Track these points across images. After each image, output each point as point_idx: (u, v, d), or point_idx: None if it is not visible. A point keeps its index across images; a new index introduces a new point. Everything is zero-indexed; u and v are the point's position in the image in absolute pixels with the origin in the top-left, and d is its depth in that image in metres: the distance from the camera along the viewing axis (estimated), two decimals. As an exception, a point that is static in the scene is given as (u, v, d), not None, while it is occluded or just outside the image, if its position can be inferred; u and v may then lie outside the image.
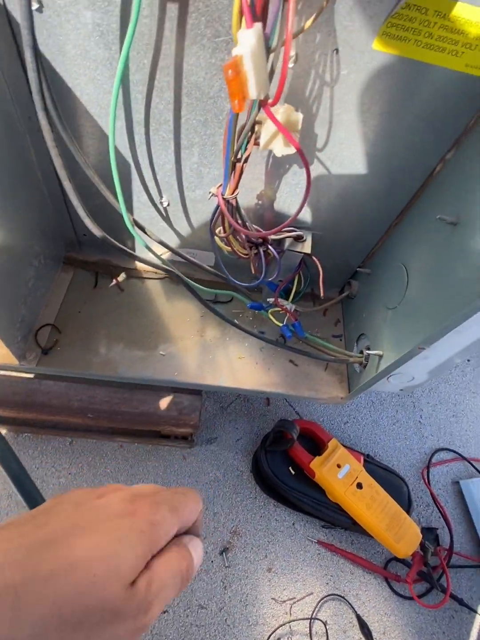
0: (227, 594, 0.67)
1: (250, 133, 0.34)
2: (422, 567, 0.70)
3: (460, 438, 0.89)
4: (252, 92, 0.22)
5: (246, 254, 0.50)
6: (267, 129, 0.35)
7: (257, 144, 0.36)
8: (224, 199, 0.38)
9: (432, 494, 0.80)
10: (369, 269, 0.62)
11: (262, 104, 0.24)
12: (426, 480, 0.81)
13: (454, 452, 0.86)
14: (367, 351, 0.56)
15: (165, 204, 0.54)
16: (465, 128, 0.42)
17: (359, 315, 0.63)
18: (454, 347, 0.46)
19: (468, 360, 0.99)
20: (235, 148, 0.34)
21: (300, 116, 0.35)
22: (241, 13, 0.25)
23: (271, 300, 0.58)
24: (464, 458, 0.85)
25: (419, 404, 0.91)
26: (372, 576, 0.73)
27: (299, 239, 0.56)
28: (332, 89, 0.40)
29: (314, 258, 0.57)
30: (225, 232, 0.43)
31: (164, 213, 0.56)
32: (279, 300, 0.58)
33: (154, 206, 0.55)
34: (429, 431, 0.88)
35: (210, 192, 0.38)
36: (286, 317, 0.58)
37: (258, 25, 0.21)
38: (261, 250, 0.50)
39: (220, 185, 0.38)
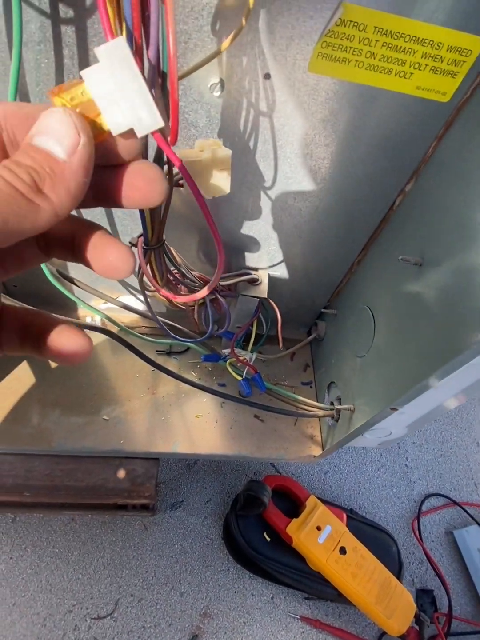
0: None
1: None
2: (419, 642, 0.62)
3: (450, 481, 0.82)
4: (111, 126, 0.16)
5: (190, 306, 0.44)
6: (190, 168, 0.30)
7: (180, 185, 0.30)
8: (145, 247, 0.32)
9: (424, 550, 0.72)
10: (334, 310, 0.56)
11: (158, 140, 0.17)
12: (417, 534, 0.74)
13: (445, 497, 0.79)
14: (337, 405, 0.50)
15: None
16: (423, 157, 0.38)
17: (329, 360, 0.57)
18: (433, 403, 0.40)
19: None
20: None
21: (228, 152, 0.30)
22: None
23: (227, 351, 0.51)
24: (455, 503, 0.78)
25: (404, 444, 0.84)
26: (364, 654, 0.64)
27: (253, 282, 0.50)
28: (271, 119, 0.35)
29: (271, 302, 0.51)
30: (156, 284, 0.37)
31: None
32: (236, 351, 0.52)
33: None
34: (417, 475, 0.81)
35: (129, 243, 0.32)
36: (245, 370, 0.52)
37: (120, 38, 0.16)
38: (208, 299, 0.44)
39: (141, 235, 0.32)
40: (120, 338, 0.45)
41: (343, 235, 0.47)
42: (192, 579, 0.64)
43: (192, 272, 0.41)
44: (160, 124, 0.17)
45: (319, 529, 0.63)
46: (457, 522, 0.77)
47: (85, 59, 0.30)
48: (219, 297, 0.44)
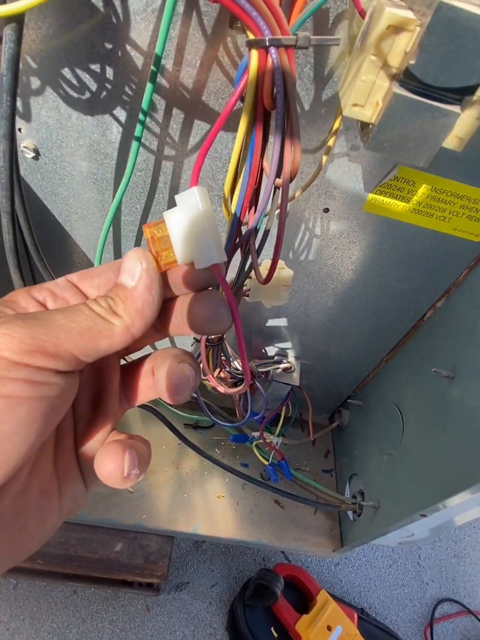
0: None
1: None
2: None
3: (464, 585, 0.78)
4: (178, 256, 0.19)
5: (231, 393, 0.46)
6: (254, 287, 0.34)
7: (246, 295, 0.35)
8: (208, 343, 0.35)
9: (438, 664, 0.68)
10: (360, 401, 0.58)
11: (215, 272, 0.20)
12: (430, 644, 0.70)
13: (459, 603, 0.75)
14: (361, 501, 0.50)
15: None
16: (455, 281, 0.42)
17: (351, 450, 0.59)
18: (462, 512, 0.41)
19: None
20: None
21: (290, 273, 0.34)
22: (233, 184, 0.24)
23: (256, 434, 0.53)
24: (470, 612, 0.75)
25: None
26: None
27: (287, 369, 0.53)
28: (321, 242, 0.40)
29: (304, 391, 0.54)
30: (210, 373, 0.40)
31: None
32: (265, 434, 0.53)
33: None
34: (429, 576, 0.78)
35: (194, 339, 0.36)
36: (272, 455, 0.53)
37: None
38: (249, 395, 0.47)
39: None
40: (151, 408, 0.47)
41: (373, 336, 0.51)
42: (192, 674, 0.61)
43: (235, 361, 0.44)
44: (217, 260, 0.19)
45: (329, 629, 0.61)
46: (472, 634, 0.73)
47: (176, 186, 0.36)
48: (257, 384, 0.47)
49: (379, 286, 0.44)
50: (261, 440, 0.54)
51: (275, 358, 0.53)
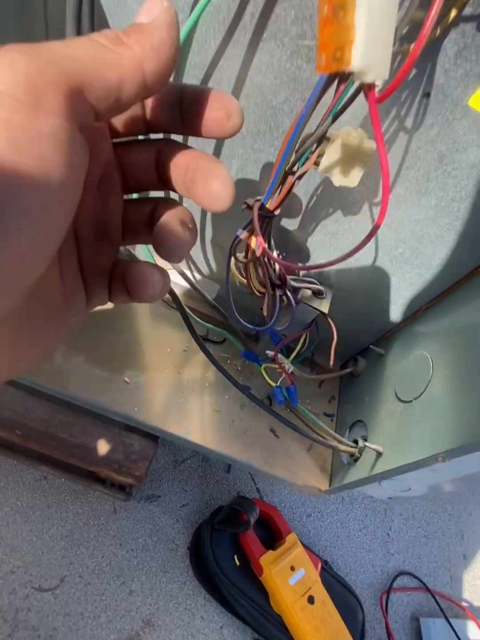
0: None
1: (315, 145, 0.28)
2: None
3: (427, 565, 0.78)
4: (356, 59, 0.16)
5: (261, 292, 0.42)
6: (332, 150, 0.29)
7: (317, 163, 0.30)
8: (260, 212, 0.31)
9: (388, 628, 0.68)
10: (382, 350, 0.55)
11: (366, 91, 0.17)
12: (384, 609, 0.69)
13: (419, 580, 0.75)
14: (364, 442, 0.48)
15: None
16: None
17: (360, 398, 0.55)
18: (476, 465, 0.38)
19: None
20: (293, 158, 0.28)
21: (373, 145, 0.29)
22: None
23: (270, 353, 0.49)
24: (428, 590, 0.74)
25: (391, 512, 0.80)
26: None
27: (318, 294, 0.49)
28: (410, 137, 0.35)
29: (330, 320, 0.50)
30: (247, 257, 0.36)
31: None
32: (279, 356, 0.50)
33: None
34: (396, 548, 0.77)
35: (244, 203, 0.32)
36: (282, 378, 0.50)
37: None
38: (278, 292, 0.43)
39: (259, 199, 0.31)
40: (179, 304, 0.43)
41: (423, 275, 0.46)
42: (146, 581, 0.60)
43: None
44: (384, 77, 0.16)
45: (292, 569, 0.59)
46: (424, 610, 0.73)
47: None
48: (289, 294, 0.43)
49: (456, 207, 0.39)
50: (272, 363, 0.51)
51: (310, 282, 0.49)
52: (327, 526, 0.74)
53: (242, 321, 0.45)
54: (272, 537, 0.63)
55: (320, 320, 0.52)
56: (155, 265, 0.19)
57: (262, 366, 0.52)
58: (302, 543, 0.64)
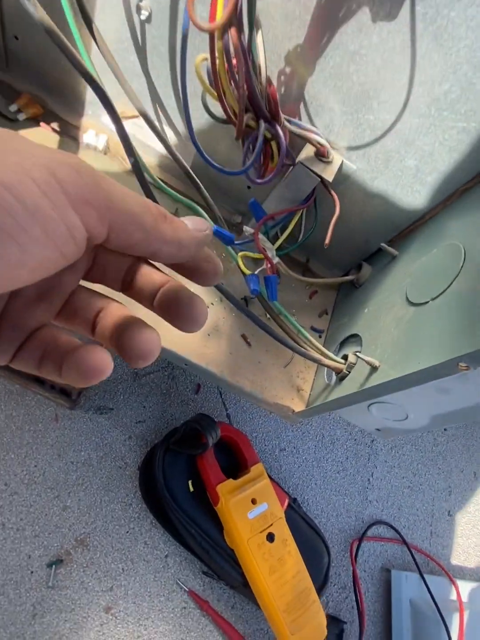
0: (34, 628, 0.46)
1: None
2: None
3: (407, 517, 0.70)
4: None
5: (235, 119, 0.30)
6: None
7: None
8: None
9: (354, 576, 0.61)
10: (396, 251, 0.43)
11: None
12: (353, 557, 0.62)
13: (396, 530, 0.68)
14: (356, 356, 0.37)
15: (144, 15, 0.33)
16: None
17: (359, 309, 0.44)
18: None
19: (445, 430, 0.82)
20: None
21: None
22: None
23: (249, 230, 0.38)
24: (405, 542, 0.67)
25: (375, 458, 0.72)
26: (242, 660, 0.53)
27: (322, 154, 0.36)
28: None
29: (334, 195, 0.38)
30: (223, 68, 0.23)
31: (139, 35, 0.35)
32: (261, 238, 0.38)
33: (127, 21, 0.34)
34: (375, 495, 0.69)
35: None
36: (262, 267, 0.39)
37: None
38: (262, 125, 0.30)
39: None
40: (137, 164, 0.31)
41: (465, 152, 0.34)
42: (84, 497, 0.52)
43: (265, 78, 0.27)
44: None
45: (253, 502, 0.51)
46: (397, 562, 0.66)
47: None
48: (278, 131, 0.30)
49: None
50: (253, 250, 0.39)
51: (312, 131, 0.36)
52: (302, 463, 0.66)
53: (211, 160, 0.32)
54: (235, 465, 0.55)
55: (321, 195, 0.40)
56: (103, 351, 0.16)
57: (239, 255, 0.40)
58: (270, 477, 0.56)
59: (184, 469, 0.53)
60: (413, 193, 0.39)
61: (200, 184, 0.37)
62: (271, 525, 0.51)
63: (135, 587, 0.51)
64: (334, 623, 0.57)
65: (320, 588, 0.54)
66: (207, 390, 0.63)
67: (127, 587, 0.51)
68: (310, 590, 0.51)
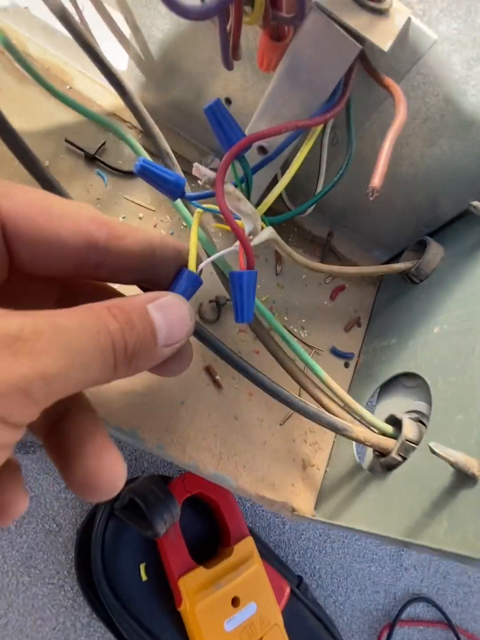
0: None
1: None
2: None
3: (455, 590, 0.52)
4: None
5: None
6: None
7: None
8: None
9: None
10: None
11: None
12: (382, 656, 0.45)
13: (439, 609, 0.50)
14: (420, 425, 0.18)
15: None
16: None
17: (420, 327, 0.25)
18: None
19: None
20: None
21: None
22: None
23: (207, 172, 0.18)
24: (450, 626, 0.49)
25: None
26: None
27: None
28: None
29: (390, 81, 0.18)
30: None
31: None
32: (229, 189, 0.19)
33: None
34: (413, 560, 0.51)
35: None
36: (232, 249, 0.19)
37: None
38: None
39: None
40: None
41: None
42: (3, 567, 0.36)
43: None
44: None
45: (235, 603, 0.34)
46: (439, 655, 0.49)
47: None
48: None
49: None
50: (213, 205, 0.20)
51: None
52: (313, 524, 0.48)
53: None
54: (213, 537, 0.38)
55: (364, 89, 0.20)
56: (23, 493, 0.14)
57: (197, 213, 0.21)
58: (264, 551, 0.38)
59: (136, 546, 0.36)
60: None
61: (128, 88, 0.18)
62: (261, 638, 0.34)
63: None
64: None
65: None
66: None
67: None
68: None
